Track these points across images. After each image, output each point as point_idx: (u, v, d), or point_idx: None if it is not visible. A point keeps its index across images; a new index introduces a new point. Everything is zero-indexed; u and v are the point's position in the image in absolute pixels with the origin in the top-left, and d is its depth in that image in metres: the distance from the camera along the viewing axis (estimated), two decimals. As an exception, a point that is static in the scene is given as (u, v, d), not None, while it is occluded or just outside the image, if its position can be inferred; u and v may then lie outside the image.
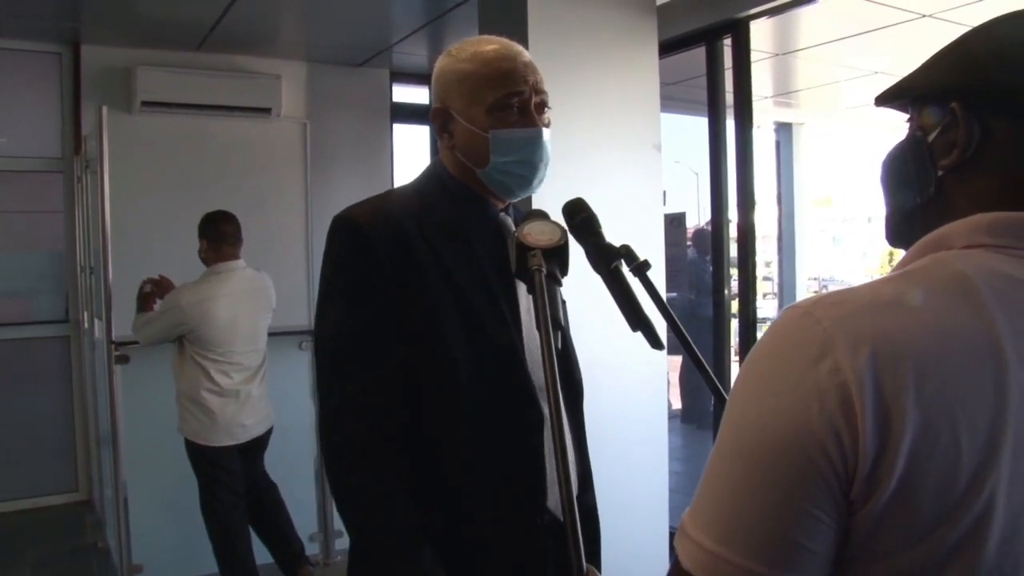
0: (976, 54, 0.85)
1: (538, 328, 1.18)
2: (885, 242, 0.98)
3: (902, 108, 0.94)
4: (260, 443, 3.95)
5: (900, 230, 0.93)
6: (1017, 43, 0.83)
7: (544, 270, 1.26)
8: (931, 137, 0.87)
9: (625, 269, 1.49)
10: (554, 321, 1.17)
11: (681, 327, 1.47)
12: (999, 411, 0.72)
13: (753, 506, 0.75)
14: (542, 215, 1.40)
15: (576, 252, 1.46)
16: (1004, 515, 0.72)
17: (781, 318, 0.80)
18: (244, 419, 3.80)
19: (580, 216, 1.54)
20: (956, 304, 0.76)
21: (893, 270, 0.86)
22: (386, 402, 1.41)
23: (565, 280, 1.36)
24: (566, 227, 1.37)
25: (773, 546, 0.74)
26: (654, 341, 1.44)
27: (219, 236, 3.84)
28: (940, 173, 0.86)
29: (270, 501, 4.02)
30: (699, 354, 1.45)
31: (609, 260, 1.48)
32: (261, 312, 3.94)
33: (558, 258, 1.33)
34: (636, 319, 1.43)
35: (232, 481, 3.81)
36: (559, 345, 1.16)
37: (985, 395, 0.73)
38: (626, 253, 1.50)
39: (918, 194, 0.89)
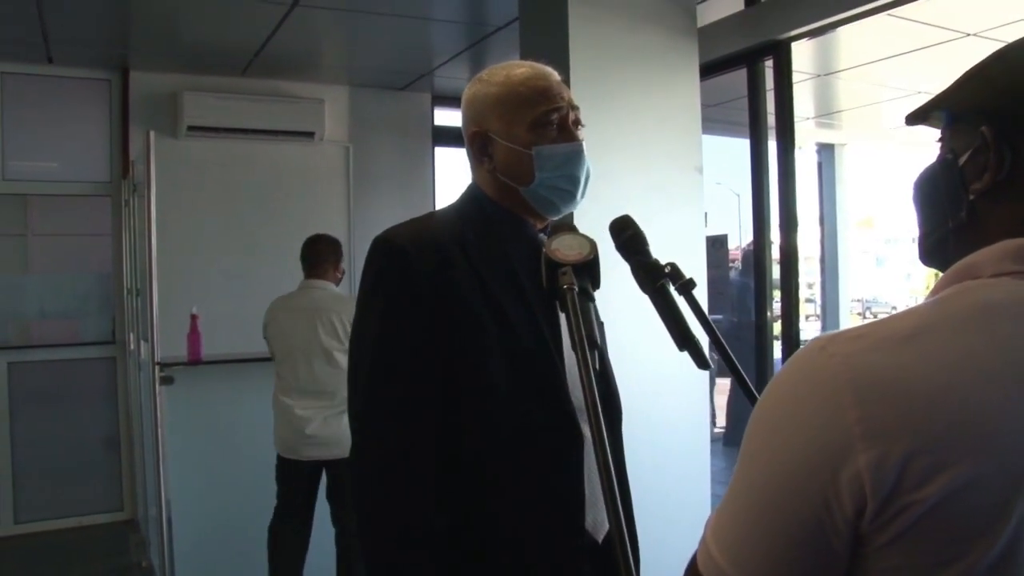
0: (1003, 78, 0.83)
1: (574, 348, 1.15)
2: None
3: (934, 126, 0.92)
4: (327, 471, 3.88)
5: (933, 252, 0.91)
6: None
7: (576, 287, 1.22)
8: (962, 160, 0.85)
9: (671, 288, 1.49)
10: (590, 340, 1.14)
11: (726, 346, 1.46)
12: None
13: (762, 539, 0.76)
14: (570, 228, 1.36)
15: (622, 271, 1.46)
16: None
17: (800, 351, 0.80)
18: (298, 436, 3.79)
19: (627, 233, 1.55)
20: (978, 334, 0.75)
21: (926, 298, 0.85)
22: (419, 421, 1.42)
23: (605, 299, 1.35)
24: (594, 242, 1.35)
25: None
26: (701, 361, 1.43)
27: (302, 257, 3.96)
28: (972, 197, 0.84)
29: (341, 546, 3.89)
30: (743, 372, 1.43)
31: (655, 278, 1.48)
32: (319, 332, 3.91)
33: (589, 272, 1.28)
34: (683, 338, 1.42)
35: (285, 495, 3.83)
36: (596, 365, 1.14)
37: (1008, 421, 0.71)
38: (672, 271, 1.50)
39: (950, 217, 0.87)
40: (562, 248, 1.29)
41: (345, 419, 1.55)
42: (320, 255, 3.94)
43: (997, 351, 0.74)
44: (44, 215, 5.29)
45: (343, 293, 4.03)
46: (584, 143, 1.56)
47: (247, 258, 5.06)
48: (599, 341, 1.43)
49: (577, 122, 1.56)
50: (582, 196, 1.58)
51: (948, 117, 0.88)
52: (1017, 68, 0.83)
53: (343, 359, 3.74)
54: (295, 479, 3.81)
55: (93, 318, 5.42)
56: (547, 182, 1.52)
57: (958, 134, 0.86)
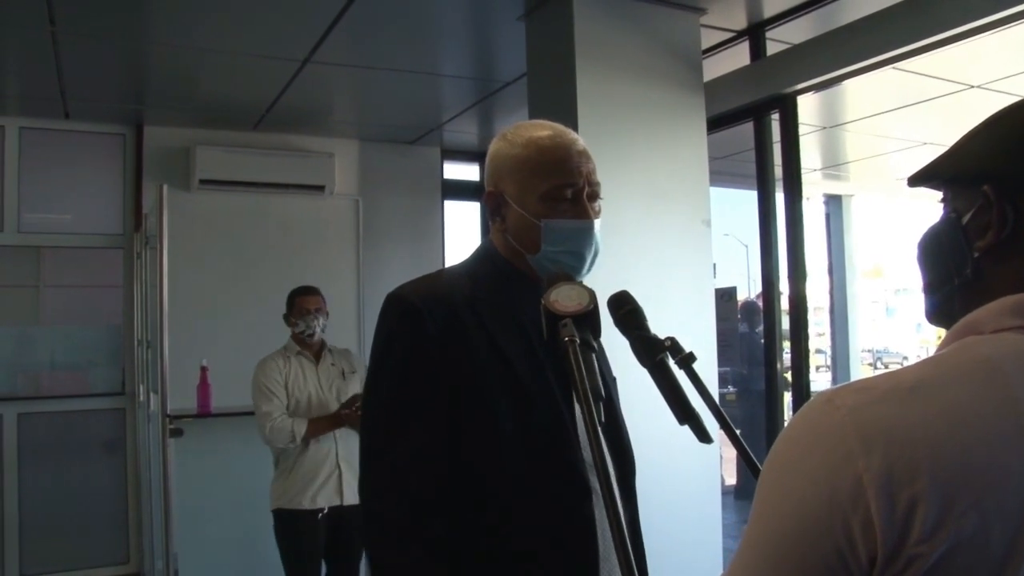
0: (1004, 137, 0.85)
1: (578, 402, 1.15)
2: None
3: (936, 188, 0.94)
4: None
5: (939, 310, 0.93)
6: None
7: (577, 339, 1.21)
8: (966, 219, 0.87)
9: (671, 362, 1.50)
10: (594, 392, 1.14)
11: (727, 419, 1.46)
12: None
13: None
14: (567, 278, 1.36)
15: (622, 342, 1.46)
16: None
17: (807, 405, 0.81)
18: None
19: (624, 309, 1.55)
20: (980, 387, 0.76)
21: (934, 354, 0.86)
22: (431, 476, 1.42)
23: (615, 352, 1.36)
24: (592, 291, 1.32)
25: None
26: (702, 435, 1.44)
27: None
28: (976, 255, 0.86)
29: None
30: (745, 445, 1.45)
31: (654, 353, 1.49)
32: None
33: (590, 323, 1.27)
34: (683, 413, 1.43)
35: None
36: (603, 418, 1.13)
37: (1011, 475, 0.72)
38: (671, 346, 1.51)
39: (955, 275, 0.89)
40: (561, 299, 1.28)
41: None
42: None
43: (998, 404, 0.75)
44: (57, 267, 5.33)
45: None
46: (598, 220, 1.55)
47: (257, 310, 5.07)
48: (605, 394, 1.45)
49: (594, 196, 1.56)
50: (588, 271, 1.58)
51: (950, 178, 0.90)
52: (1017, 129, 0.85)
53: None
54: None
55: (103, 369, 5.43)
56: (552, 255, 1.53)
57: (961, 194, 0.88)
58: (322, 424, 3.79)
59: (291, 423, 3.73)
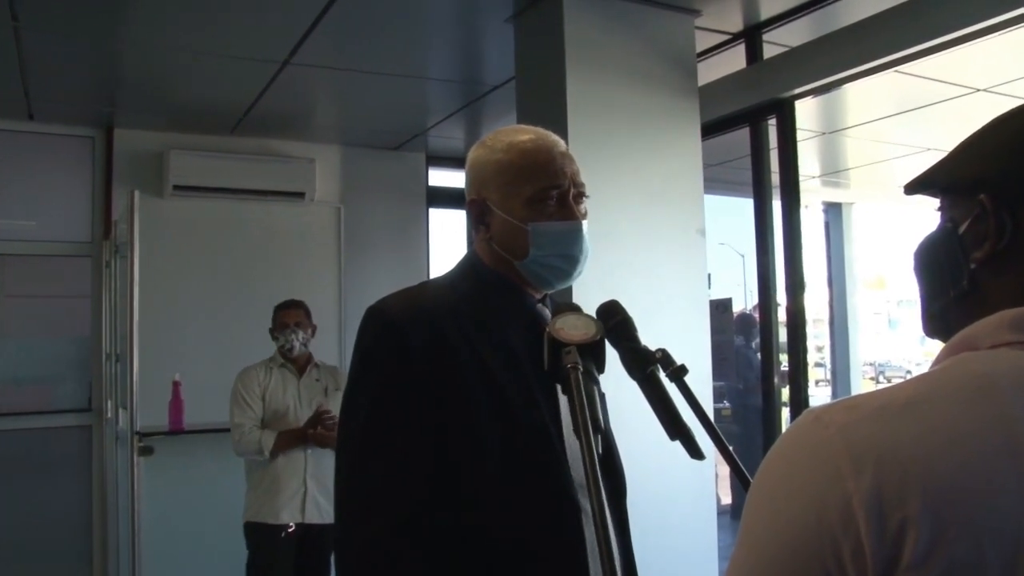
0: (1002, 144, 0.86)
1: (576, 431, 1.16)
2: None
3: (933, 196, 0.94)
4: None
5: (936, 323, 0.93)
6: None
7: (580, 367, 1.24)
8: (962, 228, 0.87)
9: (661, 374, 1.51)
10: (594, 423, 1.16)
11: (721, 435, 1.47)
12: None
13: None
14: (575, 308, 1.40)
15: (612, 351, 1.47)
16: None
17: (794, 423, 0.81)
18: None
19: (615, 319, 1.55)
20: (974, 405, 0.75)
21: (928, 370, 0.86)
22: (409, 501, 1.42)
23: (608, 368, 1.37)
24: (600, 324, 1.35)
25: None
26: (693, 451, 1.44)
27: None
28: (973, 266, 0.86)
29: None
30: (739, 462, 1.45)
31: (644, 365, 1.50)
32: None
33: (594, 354, 1.31)
34: (674, 428, 1.44)
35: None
36: (600, 449, 1.15)
37: (1008, 495, 0.72)
38: (662, 358, 1.52)
39: (951, 287, 0.89)
40: (567, 328, 1.31)
41: None
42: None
43: (993, 423, 0.74)
44: (20, 276, 5.27)
45: None
46: (585, 221, 1.57)
47: (233, 322, 5.07)
48: (604, 420, 1.45)
49: (580, 196, 1.58)
50: (579, 273, 1.60)
51: (946, 187, 0.91)
52: (1015, 136, 0.86)
53: None
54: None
55: (69, 384, 5.38)
56: (541, 259, 1.55)
57: (957, 203, 0.89)
58: (289, 438, 3.84)
59: (260, 435, 3.80)
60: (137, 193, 4.03)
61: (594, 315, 1.55)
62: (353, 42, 4.02)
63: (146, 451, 3.94)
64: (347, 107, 5.26)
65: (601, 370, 1.31)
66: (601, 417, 1.19)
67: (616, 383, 1.63)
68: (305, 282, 5.43)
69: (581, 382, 1.20)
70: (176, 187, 5.26)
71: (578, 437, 1.15)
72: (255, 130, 5.42)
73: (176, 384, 4.46)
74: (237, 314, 5.18)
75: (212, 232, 5.39)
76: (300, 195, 5.58)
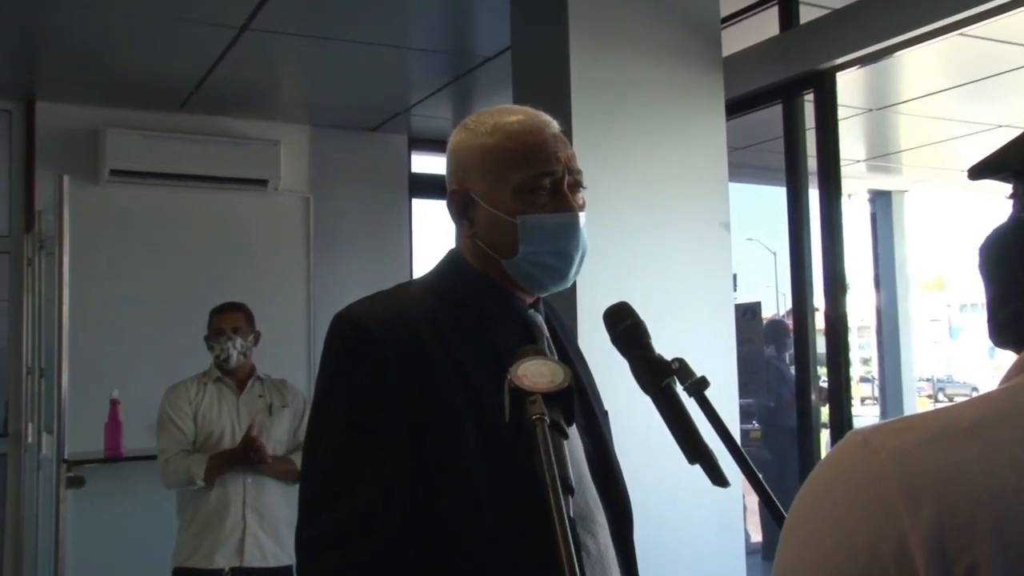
0: None
1: (544, 492, 1.14)
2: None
3: (1004, 180, 0.93)
4: None
5: (1005, 329, 0.91)
6: None
7: (547, 418, 1.22)
8: None
9: (679, 388, 1.50)
10: (564, 484, 1.15)
11: (748, 460, 1.46)
12: None
13: None
14: (537, 351, 1.37)
15: (622, 364, 1.47)
16: None
17: (837, 447, 0.79)
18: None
19: (624, 324, 1.56)
20: None
21: (996, 387, 0.84)
22: (381, 536, 1.41)
23: (616, 382, 1.37)
24: (568, 369, 1.32)
25: None
26: (716, 477, 1.44)
27: None
28: None
29: None
30: (770, 492, 1.44)
31: (659, 377, 1.49)
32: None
33: (562, 404, 1.28)
34: (694, 450, 1.43)
35: None
36: (571, 513, 1.15)
37: None
38: (679, 368, 1.51)
39: None
40: (529, 375, 1.28)
41: None
42: None
43: None
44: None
45: None
46: (583, 213, 1.57)
47: (181, 332, 5.01)
48: (595, 432, 1.46)
49: (576, 185, 1.57)
50: (576, 273, 1.59)
51: (1021, 171, 0.90)
52: None
53: None
54: None
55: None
56: (532, 257, 1.54)
57: None
58: (222, 462, 3.75)
59: (188, 461, 3.72)
60: (67, 178, 4.02)
61: (602, 319, 1.55)
62: (323, 5, 4.02)
63: (76, 482, 3.90)
64: (316, 81, 5.26)
65: (570, 422, 1.29)
66: (571, 475, 1.18)
67: (626, 397, 1.63)
68: (268, 284, 5.44)
69: (548, 436, 1.19)
70: (113, 172, 5.25)
71: (545, 498, 1.13)
72: (208, 107, 5.42)
73: (114, 403, 4.44)
74: (185, 322, 5.11)
75: (157, 225, 5.38)
76: (262, 183, 5.59)
